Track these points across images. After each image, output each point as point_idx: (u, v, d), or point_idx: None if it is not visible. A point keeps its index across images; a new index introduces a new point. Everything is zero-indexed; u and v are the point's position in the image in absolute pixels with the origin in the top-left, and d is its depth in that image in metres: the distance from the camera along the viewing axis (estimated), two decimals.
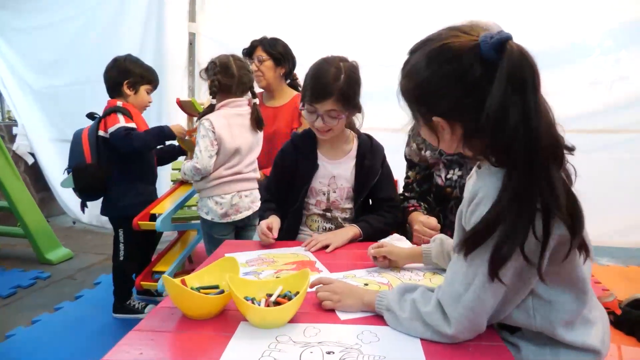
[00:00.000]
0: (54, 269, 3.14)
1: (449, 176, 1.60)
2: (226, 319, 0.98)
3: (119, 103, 2.27)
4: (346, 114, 1.53)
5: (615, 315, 2.11)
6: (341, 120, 1.53)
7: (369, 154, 1.64)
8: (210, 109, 2.01)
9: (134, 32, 3.64)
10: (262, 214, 1.65)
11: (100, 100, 4.01)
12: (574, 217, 0.78)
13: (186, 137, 2.35)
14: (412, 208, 1.65)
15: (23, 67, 4.28)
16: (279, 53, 2.43)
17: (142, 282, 2.14)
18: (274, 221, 1.53)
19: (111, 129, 2.18)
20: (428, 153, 1.65)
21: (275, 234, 1.48)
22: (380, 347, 0.85)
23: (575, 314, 0.87)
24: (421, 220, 1.50)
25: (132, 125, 2.21)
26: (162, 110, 3.58)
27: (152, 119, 3.64)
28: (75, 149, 2.27)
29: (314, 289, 1.05)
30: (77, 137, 2.29)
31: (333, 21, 3.22)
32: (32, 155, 4.34)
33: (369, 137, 1.69)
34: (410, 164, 1.76)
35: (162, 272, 2.15)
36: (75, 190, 2.29)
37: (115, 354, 0.84)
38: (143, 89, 2.34)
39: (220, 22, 3.52)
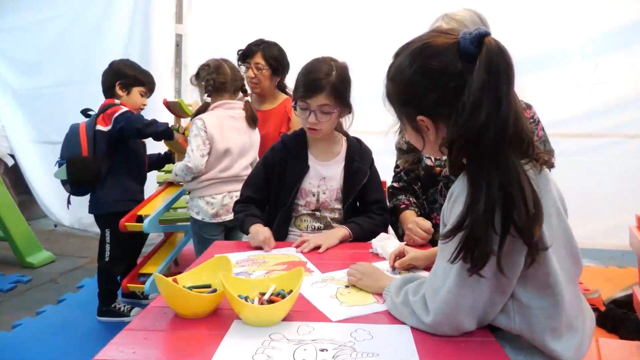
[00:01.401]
0: (35, 272, 3.08)
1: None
2: (219, 317, 0.97)
3: (117, 101, 2.33)
4: (338, 110, 1.55)
5: (600, 312, 2.16)
6: (332, 118, 1.55)
7: (358, 156, 1.66)
8: (204, 108, 2.02)
9: (119, 34, 3.62)
10: (243, 217, 1.59)
11: (83, 102, 3.95)
12: (534, 215, 0.79)
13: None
14: (404, 206, 1.67)
15: (4, 67, 4.21)
16: (278, 63, 2.42)
17: (128, 284, 2.12)
18: (271, 233, 1.50)
19: (117, 114, 2.24)
20: None
21: (272, 247, 1.46)
22: (373, 344, 0.86)
23: (555, 320, 0.87)
24: (416, 220, 1.51)
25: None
26: (147, 111, 3.54)
27: None
28: (71, 141, 2.29)
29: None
30: (75, 130, 2.32)
31: (321, 23, 3.25)
32: (12, 157, 4.26)
33: (358, 140, 1.71)
34: (400, 153, 1.79)
35: (149, 274, 2.13)
36: (65, 183, 2.29)
37: (108, 353, 0.83)
38: (135, 90, 2.38)
39: (207, 24, 3.52)
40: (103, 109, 2.30)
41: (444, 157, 1.57)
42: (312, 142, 1.65)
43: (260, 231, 1.47)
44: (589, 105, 3.22)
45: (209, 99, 2.04)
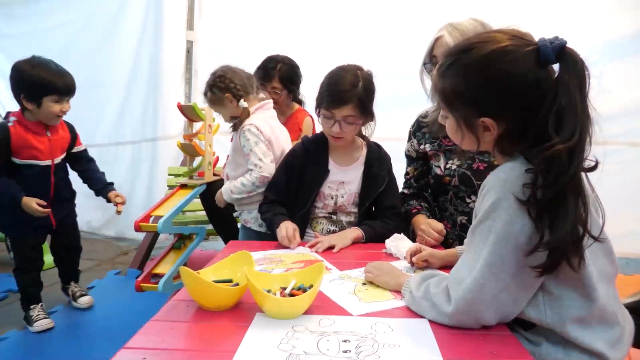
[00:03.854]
0: (44, 274, 3.07)
1: (447, 165, 1.65)
2: (241, 310, 1.01)
3: (12, 119, 2.01)
4: (362, 120, 1.57)
5: None
6: (356, 128, 1.57)
7: (377, 162, 1.67)
8: (246, 114, 1.97)
9: (130, 40, 3.66)
10: (272, 217, 1.61)
11: (91, 107, 4.01)
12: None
13: (185, 142, 2.37)
14: (415, 210, 1.70)
15: None
16: (294, 83, 2.46)
17: (142, 284, 2.14)
18: (296, 228, 1.53)
19: None
20: (427, 146, 1.72)
21: (297, 243, 1.49)
22: (394, 337, 0.88)
23: (586, 311, 0.88)
24: (428, 222, 1.55)
25: None
26: (157, 116, 3.60)
27: (147, 124, 3.67)
28: None
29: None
30: None
31: (333, 30, 3.27)
32: None
33: (378, 146, 1.72)
34: (410, 160, 1.82)
35: (161, 275, 2.15)
36: None
37: (137, 342, 0.86)
38: (47, 100, 1.99)
39: (218, 31, 3.56)
40: None
41: (454, 167, 1.62)
42: (333, 147, 1.66)
43: (286, 228, 1.50)
44: (593, 113, 3.24)
45: (245, 104, 1.98)
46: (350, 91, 1.50)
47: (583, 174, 0.88)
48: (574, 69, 0.83)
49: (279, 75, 2.42)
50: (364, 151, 1.69)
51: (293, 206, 1.66)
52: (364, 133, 1.69)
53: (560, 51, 0.83)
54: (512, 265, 0.86)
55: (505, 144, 0.92)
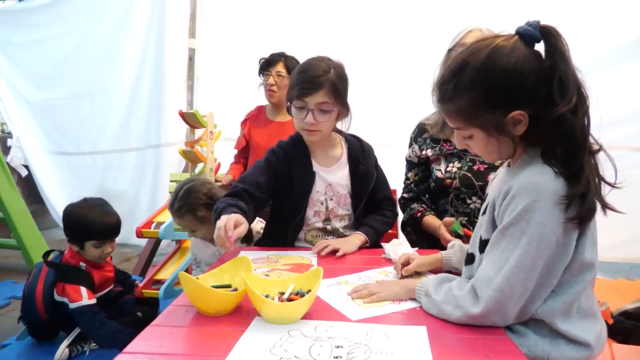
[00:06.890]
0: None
1: (448, 169, 1.69)
2: (240, 315, 1.01)
3: (82, 264, 1.98)
4: (337, 109, 1.48)
5: (608, 324, 2.16)
6: (331, 118, 1.48)
7: (362, 158, 1.60)
8: None
9: (133, 47, 3.71)
10: (223, 207, 1.34)
11: (95, 113, 4.05)
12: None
13: (187, 148, 2.39)
14: (420, 214, 1.72)
15: (19, 80, 4.31)
16: None
17: (143, 290, 2.15)
18: (242, 223, 1.25)
19: (73, 306, 1.88)
20: (429, 151, 1.75)
21: (234, 238, 1.20)
22: (388, 343, 0.88)
23: (575, 297, 0.93)
24: (443, 222, 1.59)
25: (93, 301, 1.92)
26: (161, 123, 3.63)
27: (152, 130, 3.71)
28: (28, 307, 2.01)
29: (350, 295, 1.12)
30: (31, 294, 2.00)
31: (336, 36, 3.27)
32: (26, 167, 4.34)
33: (358, 139, 1.64)
34: (411, 165, 1.84)
35: (162, 281, 2.16)
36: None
37: (136, 347, 0.87)
38: (88, 244, 1.95)
39: (220, 38, 3.60)
40: (63, 277, 1.93)
41: (454, 170, 1.64)
42: (313, 147, 1.57)
43: (225, 222, 1.21)
44: (595, 117, 3.23)
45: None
46: (322, 76, 1.43)
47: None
48: (559, 39, 0.90)
49: (284, 62, 2.44)
50: (345, 147, 1.60)
51: (283, 216, 1.58)
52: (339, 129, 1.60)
53: (540, 29, 0.90)
54: (541, 265, 0.89)
55: (534, 131, 0.92)
